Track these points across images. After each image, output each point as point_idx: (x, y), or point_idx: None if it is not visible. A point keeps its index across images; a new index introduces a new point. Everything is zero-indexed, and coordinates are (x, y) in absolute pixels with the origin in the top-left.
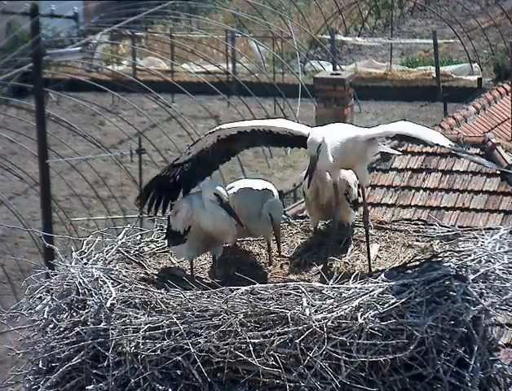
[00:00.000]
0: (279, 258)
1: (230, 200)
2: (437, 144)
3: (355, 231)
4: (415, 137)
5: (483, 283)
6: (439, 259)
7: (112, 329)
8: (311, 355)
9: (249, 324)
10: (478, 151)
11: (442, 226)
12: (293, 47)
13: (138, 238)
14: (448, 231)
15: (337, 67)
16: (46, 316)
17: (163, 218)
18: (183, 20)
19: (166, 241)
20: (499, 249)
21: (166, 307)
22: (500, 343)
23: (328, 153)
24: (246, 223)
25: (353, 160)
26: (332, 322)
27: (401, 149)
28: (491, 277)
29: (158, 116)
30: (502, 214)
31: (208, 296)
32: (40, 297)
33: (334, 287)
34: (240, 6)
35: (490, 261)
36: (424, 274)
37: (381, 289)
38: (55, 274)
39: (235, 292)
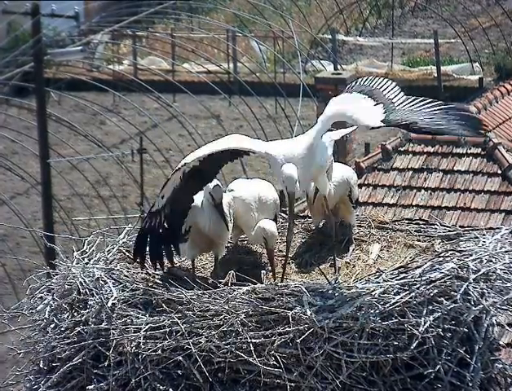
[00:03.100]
0: (280, 258)
1: (230, 202)
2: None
3: (357, 231)
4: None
5: (484, 282)
6: (440, 259)
7: (113, 329)
8: (311, 355)
9: (250, 324)
10: (479, 150)
11: (443, 225)
12: (294, 47)
13: None
14: (449, 231)
15: (339, 66)
16: (47, 316)
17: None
18: (184, 20)
19: None
20: (500, 249)
21: (167, 307)
22: (501, 343)
23: (299, 181)
24: (244, 229)
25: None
26: (333, 322)
27: (402, 149)
28: (492, 277)
29: (159, 116)
30: (503, 214)
31: (209, 296)
32: (41, 297)
33: (335, 287)
34: (241, 6)
35: (491, 261)
36: (425, 273)
37: (382, 289)
38: (57, 274)
39: (236, 292)
